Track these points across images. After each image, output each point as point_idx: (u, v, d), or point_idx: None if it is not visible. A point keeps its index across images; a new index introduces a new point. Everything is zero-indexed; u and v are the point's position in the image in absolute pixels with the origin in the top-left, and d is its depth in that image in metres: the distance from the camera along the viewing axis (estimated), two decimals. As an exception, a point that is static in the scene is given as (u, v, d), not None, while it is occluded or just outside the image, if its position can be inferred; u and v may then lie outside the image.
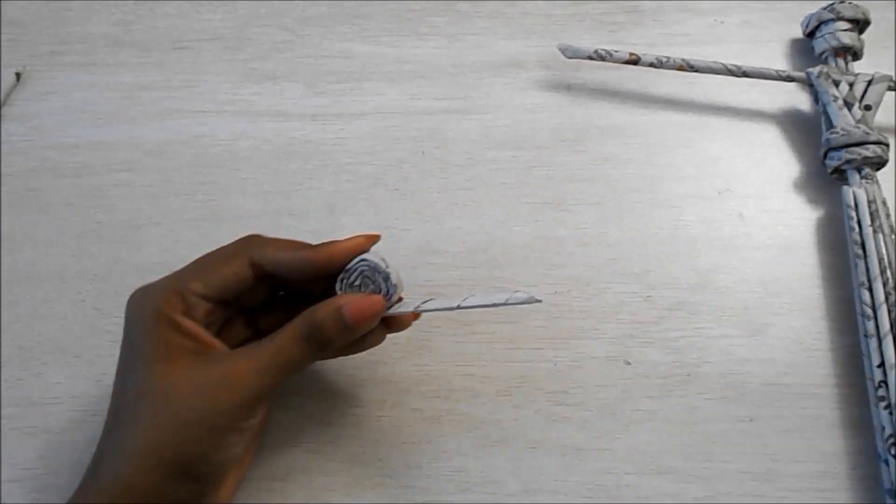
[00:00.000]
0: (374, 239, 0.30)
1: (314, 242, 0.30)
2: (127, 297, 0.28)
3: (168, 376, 0.26)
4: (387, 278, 0.29)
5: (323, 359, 0.30)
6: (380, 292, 0.29)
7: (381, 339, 0.31)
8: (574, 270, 0.36)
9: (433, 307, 0.29)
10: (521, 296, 0.28)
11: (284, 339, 0.27)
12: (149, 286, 0.29)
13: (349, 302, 0.28)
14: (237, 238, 0.30)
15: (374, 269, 0.29)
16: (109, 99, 0.41)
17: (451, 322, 0.35)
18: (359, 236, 0.30)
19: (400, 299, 0.30)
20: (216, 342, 0.28)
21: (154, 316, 0.27)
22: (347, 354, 0.31)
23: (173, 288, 0.28)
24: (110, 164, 0.40)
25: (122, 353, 0.28)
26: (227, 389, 0.26)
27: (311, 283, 0.30)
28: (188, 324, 0.28)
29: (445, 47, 0.43)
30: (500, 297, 0.28)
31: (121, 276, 0.37)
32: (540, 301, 0.28)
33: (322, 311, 0.28)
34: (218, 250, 0.30)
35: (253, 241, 0.30)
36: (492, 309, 0.29)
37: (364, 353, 0.35)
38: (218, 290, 0.28)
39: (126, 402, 0.27)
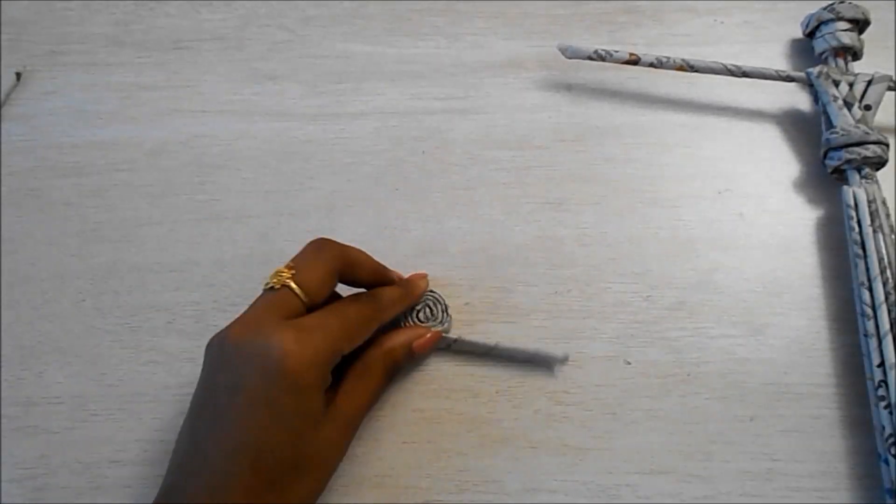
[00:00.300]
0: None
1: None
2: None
3: (316, 443, 0.28)
4: (445, 310, 0.35)
5: None
6: (437, 321, 0.34)
7: None
8: (574, 270, 0.36)
9: (465, 347, 0.34)
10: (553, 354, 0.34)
11: (375, 381, 0.32)
12: (304, 340, 0.27)
13: (419, 337, 0.33)
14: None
15: (437, 301, 0.35)
16: (109, 99, 0.41)
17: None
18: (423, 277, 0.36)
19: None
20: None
21: (318, 382, 0.28)
22: None
23: (334, 353, 0.29)
24: (110, 164, 0.40)
25: (260, 402, 0.26)
26: (344, 437, 0.30)
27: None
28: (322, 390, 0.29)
29: (445, 47, 0.43)
30: (530, 350, 0.34)
31: (121, 276, 0.37)
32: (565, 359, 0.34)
33: (397, 345, 0.33)
34: (355, 305, 0.31)
35: (345, 261, 0.31)
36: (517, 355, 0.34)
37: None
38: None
39: (279, 463, 0.27)
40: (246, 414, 0.26)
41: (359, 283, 0.32)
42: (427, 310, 0.34)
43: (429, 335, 0.33)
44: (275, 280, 0.29)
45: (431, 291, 0.35)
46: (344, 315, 0.30)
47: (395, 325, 0.34)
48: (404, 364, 0.33)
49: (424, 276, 0.36)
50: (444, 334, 0.34)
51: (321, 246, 0.31)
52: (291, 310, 0.28)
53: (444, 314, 0.35)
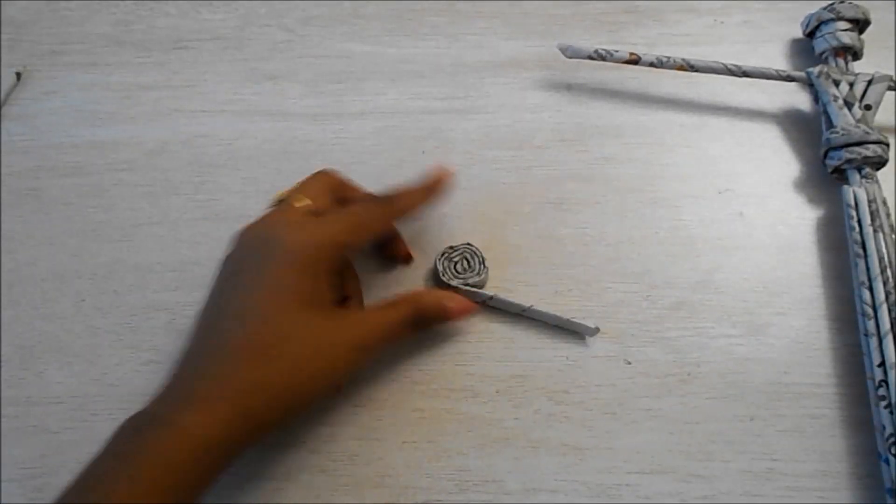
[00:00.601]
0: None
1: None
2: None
3: (313, 328, 0.28)
4: (482, 262, 0.35)
5: None
6: (475, 272, 0.35)
7: None
8: (574, 270, 0.36)
9: (500, 304, 0.35)
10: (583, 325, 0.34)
11: (397, 316, 0.31)
12: (304, 224, 0.30)
13: (452, 299, 0.33)
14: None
15: (474, 254, 0.35)
16: (109, 99, 0.41)
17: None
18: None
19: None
20: (340, 299, 0.32)
21: (313, 259, 0.29)
22: None
23: (330, 243, 0.30)
24: (110, 164, 0.40)
25: (253, 281, 0.29)
26: (364, 350, 0.30)
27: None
28: (337, 279, 0.31)
29: (445, 47, 0.43)
30: (564, 318, 0.34)
31: (121, 276, 0.37)
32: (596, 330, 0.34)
33: (428, 303, 0.32)
34: (365, 207, 0.32)
35: (391, 202, 0.32)
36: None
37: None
38: (361, 246, 0.33)
39: (266, 339, 0.27)
40: (244, 289, 0.28)
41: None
42: (465, 261, 0.35)
43: (463, 302, 0.33)
44: (280, 196, 0.32)
45: (468, 244, 0.36)
46: (350, 210, 0.31)
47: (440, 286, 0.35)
48: (432, 320, 0.33)
49: (446, 174, 0.34)
50: (479, 289, 0.35)
51: (316, 173, 0.33)
52: (299, 213, 0.31)
53: (482, 266, 0.35)
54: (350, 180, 0.34)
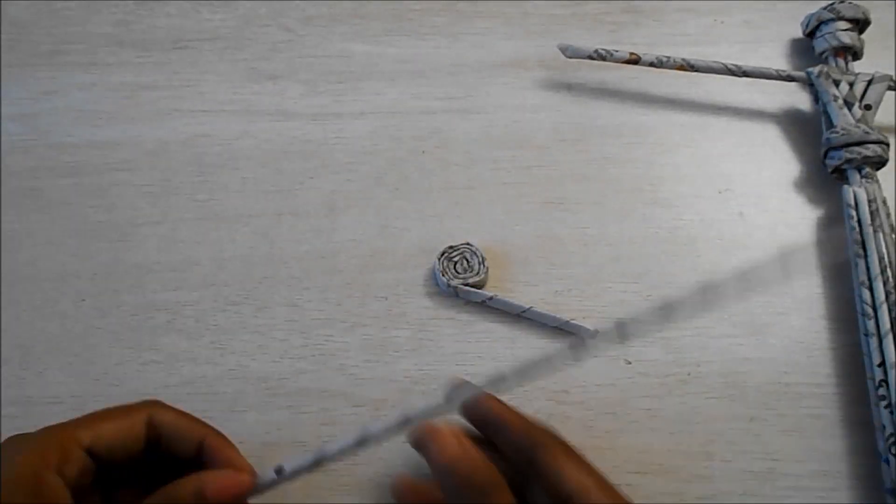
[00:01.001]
0: (249, 477, 0.27)
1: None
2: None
3: None
4: (482, 261, 0.35)
5: None
6: (475, 272, 0.35)
7: None
8: (574, 270, 0.36)
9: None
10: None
11: None
12: (29, 434, 0.26)
13: (213, 480, 0.25)
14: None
15: (473, 253, 0.35)
16: (109, 99, 0.41)
17: (452, 322, 0.35)
18: (247, 466, 0.28)
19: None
20: None
21: (20, 472, 0.24)
22: None
23: (56, 439, 0.25)
24: (110, 163, 0.40)
25: None
26: None
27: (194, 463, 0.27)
28: (54, 483, 0.24)
29: (445, 47, 0.43)
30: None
31: (121, 276, 0.37)
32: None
33: (181, 489, 0.25)
34: (117, 407, 0.27)
35: (156, 403, 0.28)
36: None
37: (363, 352, 0.35)
38: (107, 445, 0.26)
39: None
40: None
41: (178, 433, 0.27)
42: (465, 261, 0.35)
43: (229, 478, 0.26)
44: None
45: (468, 244, 0.36)
46: (97, 412, 0.27)
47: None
48: None
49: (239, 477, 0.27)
50: (479, 289, 0.35)
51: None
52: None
53: (481, 265, 0.35)
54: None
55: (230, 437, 0.34)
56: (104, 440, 0.26)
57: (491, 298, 0.35)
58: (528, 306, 0.34)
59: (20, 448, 0.25)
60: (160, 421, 0.27)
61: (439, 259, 0.35)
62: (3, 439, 0.33)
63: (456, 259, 0.35)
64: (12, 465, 0.24)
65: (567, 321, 0.34)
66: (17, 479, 0.24)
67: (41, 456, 0.24)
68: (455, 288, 0.35)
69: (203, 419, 0.34)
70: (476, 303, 0.35)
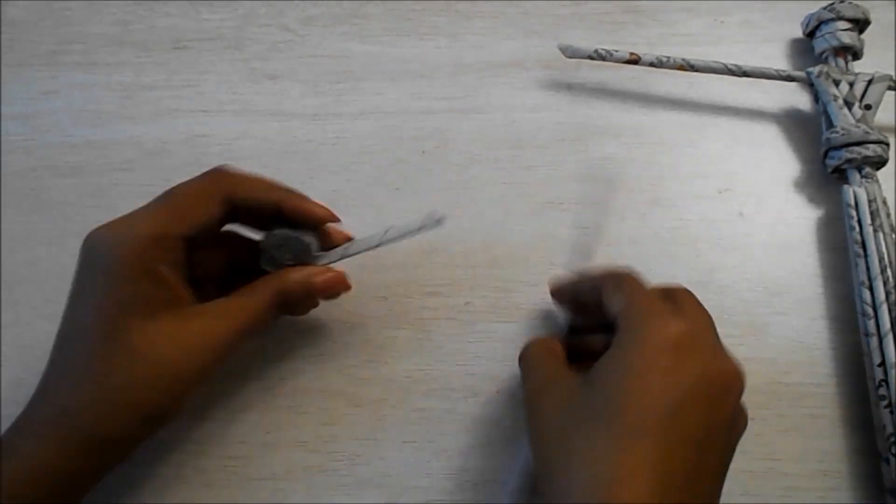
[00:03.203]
0: (334, 219, 0.32)
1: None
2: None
3: (146, 331, 0.26)
4: (308, 246, 0.31)
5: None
6: (309, 254, 0.31)
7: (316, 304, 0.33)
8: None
9: (357, 249, 0.32)
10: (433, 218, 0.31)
11: (258, 302, 0.29)
12: (117, 228, 0.28)
13: (320, 273, 0.30)
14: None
15: (296, 239, 0.31)
16: (109, 99, 0.41)
17: (451, 322, 0.35)
18: (326, 210, 0.31)
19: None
20: (185, 290, 0.28)
21: (126, 263, 0.27)
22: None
23: (147, 232, 0.27)
24: (110, 163, 0.40)
25: (79, 300, 0.27)
26: (207, 349, 0.27)
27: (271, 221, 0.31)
28: (163, 272, 0.27)
29: (445, 47, 0.43)
30: (415, 224, 0.31)
31: (121, 276, 0.37)
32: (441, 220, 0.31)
33: (293, 280, 0.30)
34: (188, 186, 0.29)
35: (225, 177, 0.30)
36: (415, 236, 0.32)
37: (363, 352, 0.35)
38: (195, 231, 0.28)
39: (94, 355, 0.26)
40: (69, 307, 0.27)
41: (254, 205, 0.30)
42: (289, 253, 0.31)
43: (331, 274, 0.31)
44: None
45: (283, 229, 0.31)
46: (174, 192, 0.29)
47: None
48: (301, 298, 0.30)
49: (324, 209, 0.31)
50: (315, 257, 0.31)
51: (207, 172, 0.30)
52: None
53: (309, 249, 0.31)
54: (248, 176, 0.30)
55: (230, 438, 0.34)
56: (192, 229, 0.28)
57: (347, 247, 0.32)
58: (384, 231, 0.32)
59: (121, 251, 0.27)
60: (235, 199, 0.29)
61: (264, 235, 0.31)
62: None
63: (277, 252, 0.31)
64: (124, 266, 0.27)
65: (418, 227, 0.32)
66: (134, 275, 0.26)
67: (146, 253, 0.27)
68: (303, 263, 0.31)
69: (203, 419, 0.34)
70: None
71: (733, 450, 0.26)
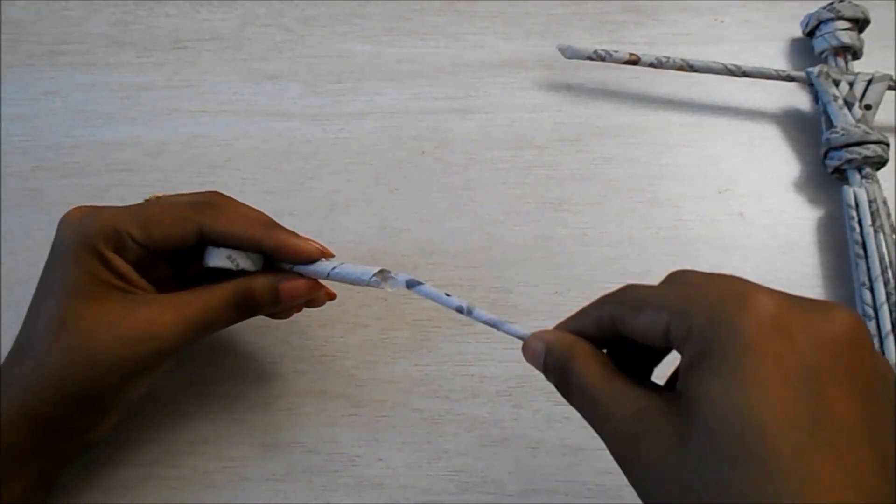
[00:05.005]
0: (327, 255, 0.30)
1: (305, 235, 0.30)
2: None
3: (89, 314, 0.26)
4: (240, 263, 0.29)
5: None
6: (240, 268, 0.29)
7: (288, 315, 0.32)
8: (574, 270, 0.36)
9: (303, 271, 0.29)
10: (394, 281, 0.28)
11: (215, 302, 0.28)
12: (86, 213, 0.28)
13: (287, 280, 0.29)
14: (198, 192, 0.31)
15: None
16: (109, 99, 0.41)
17: (452, 322, 0.35)
18: (313, 245, 0.29)
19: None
20: (142, 282, 0.28)
21: (84, 246, 0.27)
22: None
23: (112, 224, 0.27)
24: (110, 164, 0.40)
25: (43, 277, 0.28)
26: (148, 338, 0.26)
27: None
28: (118, 261, 0.27)
29: (445, 47, 0.43)
30: (364, 275, 0.28)
31: (121, 277, 0.37)
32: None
33: (259, 283, 0.28)
34: (172, 205, 0.29)
35: (209, 211, 0.29)
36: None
37: (363, 353, 0.35)
38: (156, 245, 0.28)
39: (40, 333, 0.27)
40: (37, 288, 0.28)
41: (230, 243, 0.29)
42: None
43: (301, 282, 0.29)
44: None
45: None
46: (149, 202, 0.30)
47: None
48: (265, 304, 0.29)
49: (311, 245, 0.29)
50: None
51: (198, 194, 0.30)
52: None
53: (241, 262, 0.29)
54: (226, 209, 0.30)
55: (230, 438, 0.34)
56: (154, 242, 0.28)
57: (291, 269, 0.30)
58: (333, 266, 0.29)
59: (78, 230, 0.27)
60: (210, 234, 0.28)
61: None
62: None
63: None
64: (77, 246, 0.27)
65: (374, 274, 0.28)
66: (86, 255, 0.27)
67: (101, 239, 0.27)
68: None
69: (203, 419, 0.34)
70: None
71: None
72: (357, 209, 0.38)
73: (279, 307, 0.30)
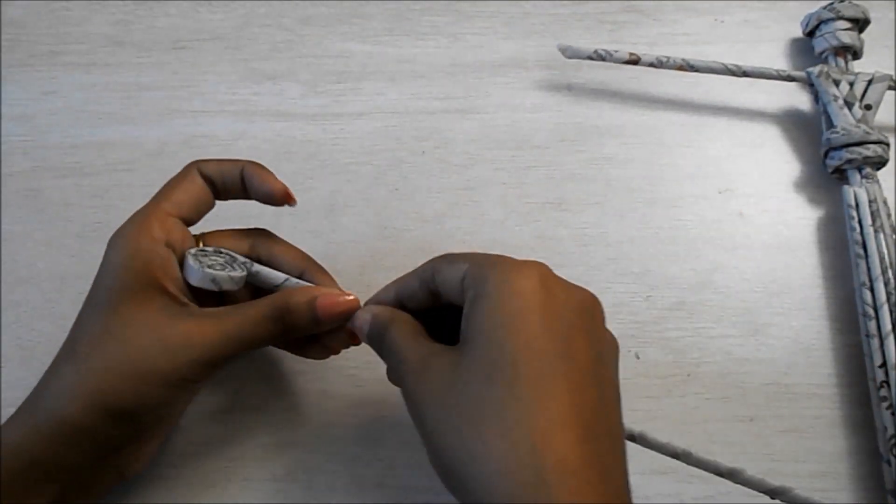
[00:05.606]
0: (291, 202, 0.31)
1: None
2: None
3: (131, 323, 0.26)
4: (229, 262, 0.29)
5: (282, 345, 0.31)
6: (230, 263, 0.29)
7: (325, 356, 0.31)
8: (574, 270, 0.36)
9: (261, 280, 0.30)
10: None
11: (252, 315, 0.28)
12: (126, 222, 0.29)
13: (324, 295, 0.28)
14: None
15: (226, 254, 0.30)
16: (109, 99, 0.41)
17: (243, 270, 0.35)
18: (283, 186, 0.31)
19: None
20: (187, 297, 0.28)
21: (132, 249, 0.27)
22: (292, 352, 0.32)
23: (153, 215, 0.28)
24: (110, 164, 0.40)
25: (91, 289, 0.28)
26: (187, 349, 0.26)
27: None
28: (164, 253, 0.28)
29: (445, 47, 0.43)
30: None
31: (121, 277, 0.37)
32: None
33: (295, 298, 0.28)
34: (173, 177, 0.31)
35: (197, 161, 0.31)
36: None
37: (363, 353, 0.35)
38: (187, 209, 0.29)
39: (83, 339, 0.27)
40: (89, 293, 0.28)
41: (222, 174, 0.30)
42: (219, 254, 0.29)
43: (339, 297, 0.28)
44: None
45: (206, 249, 0.30)
46: (162, 189, 0.30)
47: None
48: (303, 318, 0.28)
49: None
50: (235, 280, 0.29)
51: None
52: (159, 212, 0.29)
53: (230, 266, 0.29)
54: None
55: (230, 439, 0.34)
56: (185, 204, 0.29)
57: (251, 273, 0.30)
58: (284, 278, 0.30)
59: (126, 234, 0.28)
60: (204, 168, 0.30)
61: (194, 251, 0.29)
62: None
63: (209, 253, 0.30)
64: (126, 249, 0.27)
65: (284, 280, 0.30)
66: (134, 258, 0.27)
67: (147, 232, 0.28)
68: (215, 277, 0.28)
69: (203, 419, 0.34)
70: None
71: (617, 374, 0.25)
72: (357, 209, 0.38)
73: (318, 327, 0.29)
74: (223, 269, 0.28)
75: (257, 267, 0.30)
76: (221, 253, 0.30)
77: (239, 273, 0.29)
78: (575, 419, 0.21)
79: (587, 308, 0.24)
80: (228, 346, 0.27)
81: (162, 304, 0.27)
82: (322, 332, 0.29)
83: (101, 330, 0.26)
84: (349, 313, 0.29)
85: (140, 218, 0.28)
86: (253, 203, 0.38)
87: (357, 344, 0.30)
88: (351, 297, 0.29)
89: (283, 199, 0.30)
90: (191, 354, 0.26)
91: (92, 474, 0.27)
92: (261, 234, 0.32)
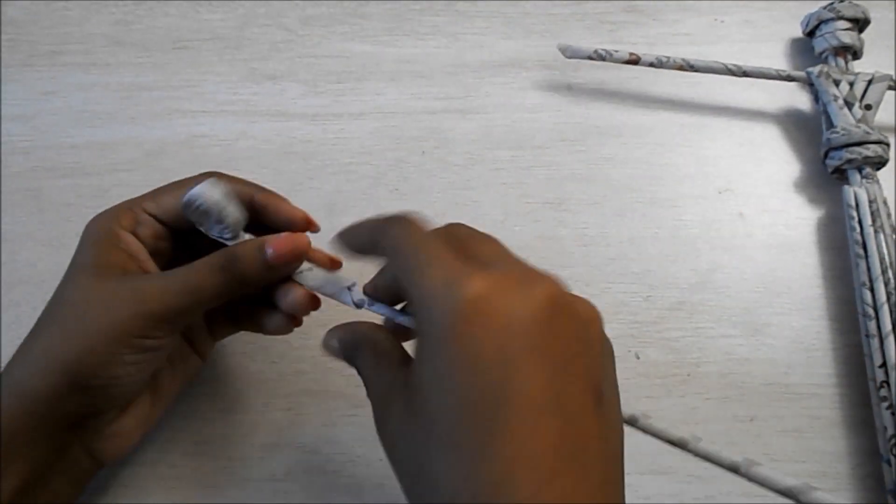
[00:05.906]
0: (312, 226, 0.31)
1: (315, 241, 0.30)
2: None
3: (89, 291, 0.27)
4: (219, 221, 0.28)
5: (235, 297, 0.29)
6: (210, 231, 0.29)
7: (286, 328, 0.30)
8: (574, 270, 0.36)
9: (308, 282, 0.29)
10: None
11: (200, 266, 0.27)
12: (107, 209, 0.30)
13: (272, 239, 0.28)
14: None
15: (217, 204, 0.28)
16: (109, 99, 0.41)
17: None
18: (304, 215, 0.30)
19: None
20: (151, 264, 0.29)
21: (99, 231, 0.28)
22: (254, 330, 0.31)
23: (126, 206, 0.29)
24: (110, 164, 0.40)
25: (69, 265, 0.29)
26: (132, 304, 0.26)
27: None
28: (129, 239, 0.28)
29: (445, 47, 0.43)
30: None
31: (121, 277, 0.37)
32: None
33: (243, 245, 0.28)
34: (176, 181, 0.31)
35: (210, 174, 0.30)
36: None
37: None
38: (168, 212, 0.29)
39: (44, 313, 0.28)
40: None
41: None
42: (200, 211, 0.28)
43: (287, 238, 0.28)
44: None
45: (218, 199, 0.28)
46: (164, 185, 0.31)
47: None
48: (252, 265, 0.27)
49: (299, 214, 0.30)
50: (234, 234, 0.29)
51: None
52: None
53: (217, 224, 0.28)
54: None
55: (230, 439, 0.34)
56: (168, 208, 0.29)
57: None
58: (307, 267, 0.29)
59: (97, 219, 0.29)
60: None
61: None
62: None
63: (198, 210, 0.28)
64: (94, 231, 0.29)
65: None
66: (98, 239, 0.28)
67: (116, 220, 0.29)
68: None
69: (203, 419, 0.34)
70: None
71: (614, 374, 0.24)
72: (357, 209, 0.38)
73: (270, 273, 0.28)
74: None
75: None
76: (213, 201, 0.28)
77: (236, 215, 0.28)
78: (521, 469, 0.19)
79: (535, 319, 0.20)
80: (176, 298, 0.27)
81: (119, 272, 0.28)
82: (279, 295, 0.29)
83: (58, 300, 0.27)
84: (299, 252, 0.28)
85: (115, 208, 0.29)
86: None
87: (316, 308, 0.30)
88: (299, 235, 0.28)
89: (304, 226, 0.30)
90: (136, 308, 0.26)
91: (62, 454, 0.27)
92: (210, 174, 0.30)
